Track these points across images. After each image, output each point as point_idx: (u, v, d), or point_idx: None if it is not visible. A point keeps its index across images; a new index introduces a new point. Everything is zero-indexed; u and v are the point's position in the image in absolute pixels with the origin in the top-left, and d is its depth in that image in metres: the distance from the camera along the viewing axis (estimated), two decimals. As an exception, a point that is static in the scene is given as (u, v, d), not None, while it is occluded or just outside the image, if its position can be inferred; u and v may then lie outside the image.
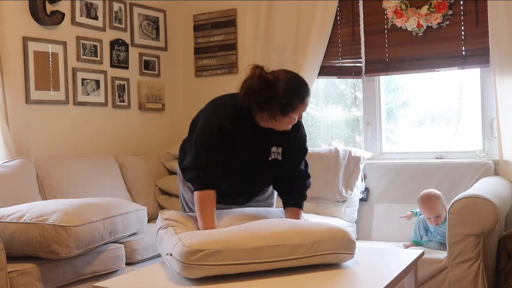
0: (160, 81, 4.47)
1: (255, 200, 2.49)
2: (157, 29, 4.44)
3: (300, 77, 2.21)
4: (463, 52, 3.52)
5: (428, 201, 3.08)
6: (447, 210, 2.81)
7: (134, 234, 3.08)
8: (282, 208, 2.39)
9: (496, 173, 3.40)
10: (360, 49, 3.87)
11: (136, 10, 4.26)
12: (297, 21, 3.96)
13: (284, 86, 2.10)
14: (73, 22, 3.75)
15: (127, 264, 2.98)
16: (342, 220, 3.52)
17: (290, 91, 2.10)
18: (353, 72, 3.92)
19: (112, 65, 4.04)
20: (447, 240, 2.82)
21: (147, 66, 4.36)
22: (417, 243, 3.18)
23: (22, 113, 3.37)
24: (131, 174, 3.83)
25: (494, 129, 3.47)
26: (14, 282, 2.38)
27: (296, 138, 2.34)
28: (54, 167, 3.35)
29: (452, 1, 3.52)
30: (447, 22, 3.54)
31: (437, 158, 3.66)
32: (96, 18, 3.91)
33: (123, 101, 4.13)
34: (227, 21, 4.39)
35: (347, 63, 3.93)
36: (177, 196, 3.38)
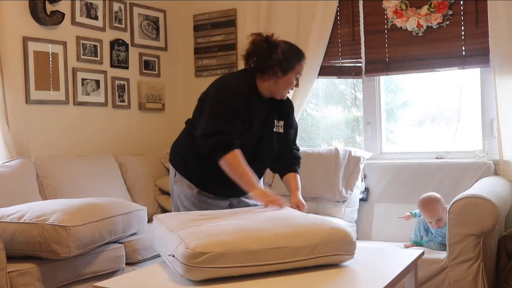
0: (160, 81, 4.47)
1: (246, 196, 2.53)
2: (157, 29, 4.44)
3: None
4: (463, 52, 3.52)
5: (429, 205, 3.07)
6: (448, 210, 2.81)
7: (134, 234, 3.08)
8: None
9: (496, 173, 3.40)
10: (360, 49, 3.87)
11: (136, 10, 4.26)
12: (297, 21, 3.96)
13: (284, 47, 2.39)
14: (73, 22, 3.75)
15: (127, 264, 2.99)
16: (342, 220, 3.52)
17: (289, 52, 2.40)
18: (353, 72, 3.92)
19: (112, 65, 4.04)
20: (447, 240, 2.82)
21: (147, 66, 4.36)
22: (417, 244, 3.17)
23: (22, 113, 3.37)
24: (131, 174, 3.83)
25: (494, 129, 3.47)
26: (14, 282, 2.38)
27: (290, 114, 2.60)
28: (54, 167, 3.36)
29: (452, 1, 3.52)
30: (447, 22, 3.54)
31: (437, 158, 3.66)
32: (96, 18, 3.91)
33: (123, 101, 4.13)
34: (227, 21, 4.39)
35: (347, 63, 3.93)
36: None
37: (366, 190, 3.70)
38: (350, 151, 3.68)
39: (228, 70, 4.38)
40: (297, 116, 3.91)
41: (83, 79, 3.82)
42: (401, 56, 3.72)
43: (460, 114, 3.68)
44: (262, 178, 2.64)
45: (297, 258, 1.83)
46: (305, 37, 3.89)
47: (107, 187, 3.55)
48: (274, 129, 2.50)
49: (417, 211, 3.23)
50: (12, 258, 2.48)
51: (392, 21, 3.70)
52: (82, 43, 3.81)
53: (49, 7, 3.56)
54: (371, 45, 3.82)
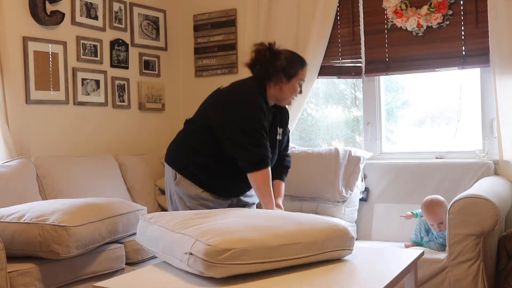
0: (160, 81, 4.47)
1: (245, 195, 2.63)
2: (157, 29, 4.44)
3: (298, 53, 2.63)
4: (463, 52, 3.52)
5: (432, 208, 3.07)
6: (447, 210, 2.81)
7: (134, 234, 3.07)
8: None
9: (496, 173, 3.40)
10: (360, 49, 3.87)
11: (136, 10, 4.26)
12: (297, 21, 3.96)
13: (286, 54, 2.53)
14: (73, 22, 3.75)
15: (127, 264, 2.99)
16: (342, 220, 3.51)
17: (292, 59, 2.53)
18: (353, 72, 3.92)
19: (112, 65, 4.04)
20: (447, 240, 2.82)
21: (147, 66, 4.36)
22: (417, 244, 3.17)
23: (22, 113, 3.37)
24: (131, 174, 3.83)
25: (494, 129, 3.47)
26: (14, 282, 2.38)
27: (288, 121, 2.73)
28: (54, 167, 3.35)
29: (452, 1, 3.52)
30: (447, 22, 3.54)
31: (437, 158, 3.66)
32: (96, 18, 3.91)
33: (123, 101, 4.13)
34: (227, 21, 4.39)
35: (347, 63, 3.93)
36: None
37: (366, 190, 3.70)
38: (350, 151, 3.68)
39: (228, 70, 4.37)
40: (297, 116, 3.92)
41: (83, 79, 3.82)
42: (401, 56, 3.72)
43: (460, 114, 3.68)
44: None
45: (308, 253, 1.89)
46: (305, 37, 3.89)
47: (107, 187, 3.55)
48: (278, 137, 2.59)
49: (418, 211, 3.22)
50: (12, 258, 2.48)
51: (392, 21, 3.70)
52: (82, 43, 3.81)
53: (49, 7, 3.56)
54: (371, 45, 3.82)
